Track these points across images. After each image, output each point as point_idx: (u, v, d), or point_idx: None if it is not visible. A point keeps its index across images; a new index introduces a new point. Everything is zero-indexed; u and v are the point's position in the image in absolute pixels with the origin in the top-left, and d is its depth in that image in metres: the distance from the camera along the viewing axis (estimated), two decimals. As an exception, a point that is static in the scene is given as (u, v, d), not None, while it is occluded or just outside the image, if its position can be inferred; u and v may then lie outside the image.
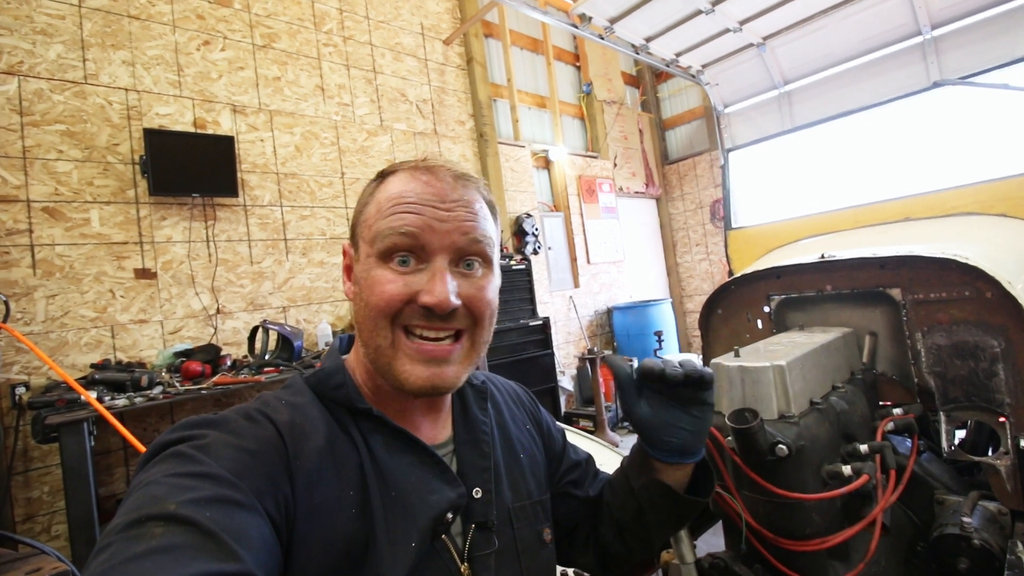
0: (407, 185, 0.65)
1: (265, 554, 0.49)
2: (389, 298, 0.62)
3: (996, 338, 1.10)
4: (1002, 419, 1.13)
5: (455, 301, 0.62)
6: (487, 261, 0.68)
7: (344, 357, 0.74)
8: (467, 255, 0.65)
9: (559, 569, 0.85)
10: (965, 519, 1.07)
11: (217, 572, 0.42)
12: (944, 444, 1.22)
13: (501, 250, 0.78)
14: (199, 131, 3.38)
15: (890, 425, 1.16)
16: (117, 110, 3.08)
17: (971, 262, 1.09)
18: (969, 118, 1.92)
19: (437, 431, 0.73)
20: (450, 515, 0.65)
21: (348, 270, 0.71)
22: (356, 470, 0.62)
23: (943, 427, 1.22)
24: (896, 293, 1.25)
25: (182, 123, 3.32)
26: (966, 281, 1.13)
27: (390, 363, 0.63)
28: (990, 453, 1.47)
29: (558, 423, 0.96)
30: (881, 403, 1.33)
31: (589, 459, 0.94)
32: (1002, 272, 1.09)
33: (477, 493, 0.69)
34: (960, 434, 1.56)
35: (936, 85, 1.90)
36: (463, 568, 0.65)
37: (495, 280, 0.69)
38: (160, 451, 0.53)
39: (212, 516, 0.45)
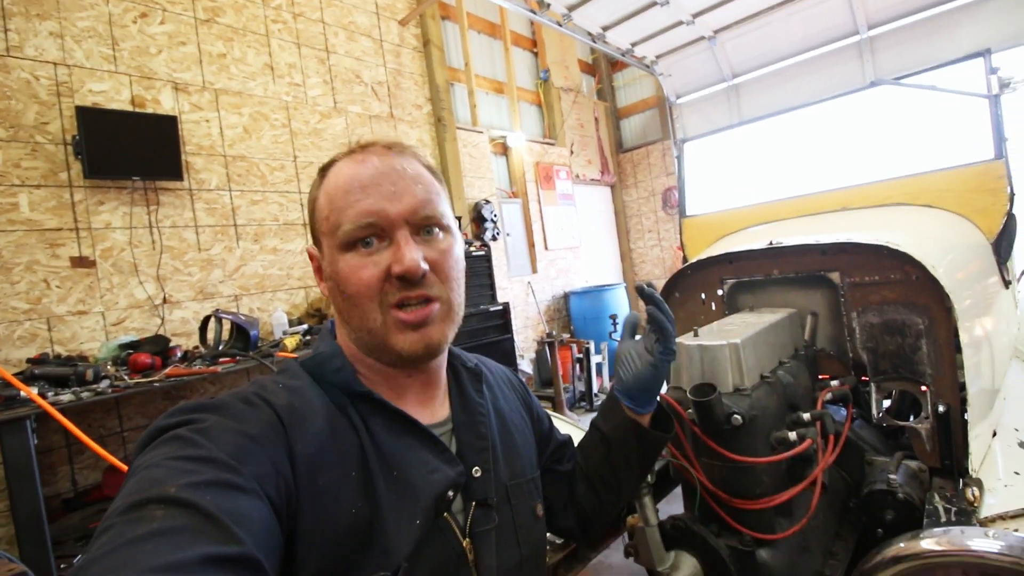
0: (349, 171, 0.67)
1: (265, 537, 0.49)
2: (368, 281, 0.64)
3: (920, 316, 1.23)
4: (924, 388, 1.27)
5: (424, 266, 0.65)
6: (444, 227, 0.70)
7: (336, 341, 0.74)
8: (424, 224, 0.68)
9: None
10: (891, 476, 1.20)
11: (218, 555, 0.42)
12: (874, 411, 1.36)
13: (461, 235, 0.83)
14: (138, 110, 3.18)
15: (828, 396, 1.28)
16: (45, 86, 2.85)
17: (901, 248, 1.21)
18: (901, 116, 2.09)
19: (434, 411, 0.75)
20: (451, 493, 0.67)
21: (319, 272, 0.72)
22: (357, 452, 0.63)
23: (873, 396, 1.36)
24: (835, 276, 1.37)
25: (119, 101, 3.12)
26: (896, 265, 1.26)
27: (383, 340, 0.66)
28: (911, 419, 1.64)
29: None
30: (820, 376, 1.45)
31: (569, 439, 1.00)
32: (927, 257, 1.21)
33: (476, 472, 0.72)
34: (886, 403, 1.73)
35: (873, 84, 2.05)
36: (465, 544, 0.67)
37: (457, 242, 0.73)
38: (159, 435, 0.53)
39: (213, 499, 0.46)
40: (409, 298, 0.65)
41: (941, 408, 1.25)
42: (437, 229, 0.69)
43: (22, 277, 2.71)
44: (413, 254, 0.64)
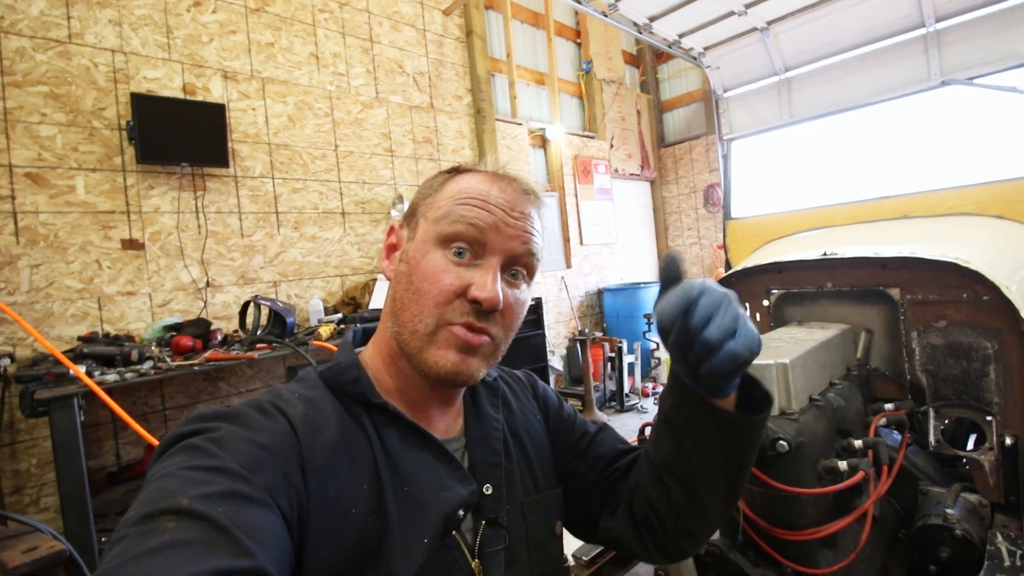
0: (484, 185, 0.68)
1: (277, 550, 0.49)
2: (443, 288, 0.63)
3: (990, 340, 1.13)
4: (989, 417, 1.17)
5: (502, 304, 0.64)
6: (530, 276, 0.71)
7: (358, 351, 0.74)
8: (518, 264, 0.68)
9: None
10: (948, 510, 1.12)
11: (230, 568, 0.41)
12: (931, 439, 1.26)
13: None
14: (188, 97, 3.27)
15: (882, 420, 1.20)
16: (103, 72, 2.96)
17: (971, 266, 1.11)
18: (971, 118, 1.93)
19: (449, 425, 0.73)
20: (461, 512, 0.65)
21: (391, 248, 0.73)
22: (370, 464, 0.62)
23: (931, 423, 1.27)
24: (895, 292, 1.27)
25: (171, 88, 3.21)
26: (965, 284, 1.16)
27: (423, 347, 0.64)
28: (969, 446, 1.53)
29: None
30: (873, 398, 1.36)
31: (605, 425, 0.90)
32: (999, 275, 1.11)
33: (488, 489, 0.70)
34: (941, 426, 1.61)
35: (944, 84, 1.90)
36: (474, 564, 0.65)
37: (529, 296, 0.72)
38: (174, 443, 0.53)
39: (225, 511, 0.45)
40: (473, 326, 0.64)
41: (1008, 440, 1.15)
42: (523, 276, 0.70)
43: (76, 257, 2.84)
44: (497, 287, 0.64)
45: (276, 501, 0.52)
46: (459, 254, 0.65)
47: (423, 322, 0.64)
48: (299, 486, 0.55)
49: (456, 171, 0.72)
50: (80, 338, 2.61)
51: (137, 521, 0.44)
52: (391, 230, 0.74)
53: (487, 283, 0.63)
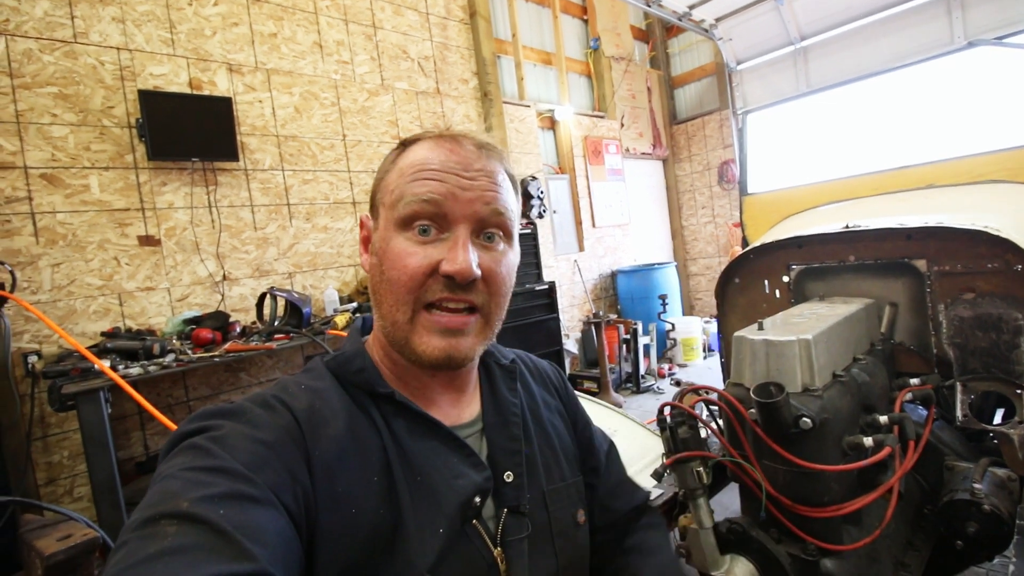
0: (431, 153, 0.64)
1: (283, 550, 0.48)
2: (412, 272, 0.61)
3: (1021, 311, 1.10)
4: (1019, 391, 1.14)
5: (476, 271, 0.61)
6: (507, 235, 0.67)
7: (364, 339, 0.73)
8: (489, 227, 0.64)
9: None
10: (975, 485, 1.10)
11: (229, 573, 0.41)
12: (958, 413, 1.24)
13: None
14: (195, 92, 3.27)
15: (908, 395, 1.17)
16: (110, 71, 2.97)
17: (1002, 234, 1.07)
18: (999, 80, 1.85)
19: (461, 411, 0.71)
20: (478, 499, 0.63)
21: (366, 241, 0.70)
22: (379, 455, 0.61)
23: (958, 397, 1.24)
24: (921, 264, 1.23)
25: (177, 83, 3.21)
26: (995, 253, 1.12)
27: (407, 337, 0.63)
28: (996, 420, 1.49)
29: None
30: (898, 373, 1.33)
31: (611, 447, 0.92)
32: (1033, 244, 1.07)
33: (508, 477, 0.68)
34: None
35: (970, 45, 1.82)
36: (496, 553, 0.64)
37: (514, 256, 0.69)
38: (178, 442, 0.53)
39: (226, 514, 0.45)
40: (451, 299, 0.62)
41: (1040, 413, 1.12)
42: (499, 237, 0.66)
43: (95, 255, 2.88)
44: (468, 256, 0.60)
45: (281, 499, 0.51)
46: (424, 232, 0.62)
47: (401, 310, 0.62)
48: (305, 482, 0.54)
49: (404, 145, 0.68)
50: (103, 333, 2.67)
51: (139, 525, 0.44)
52: (361, 222, 0.71)
53: (456, 256, 0.60)
